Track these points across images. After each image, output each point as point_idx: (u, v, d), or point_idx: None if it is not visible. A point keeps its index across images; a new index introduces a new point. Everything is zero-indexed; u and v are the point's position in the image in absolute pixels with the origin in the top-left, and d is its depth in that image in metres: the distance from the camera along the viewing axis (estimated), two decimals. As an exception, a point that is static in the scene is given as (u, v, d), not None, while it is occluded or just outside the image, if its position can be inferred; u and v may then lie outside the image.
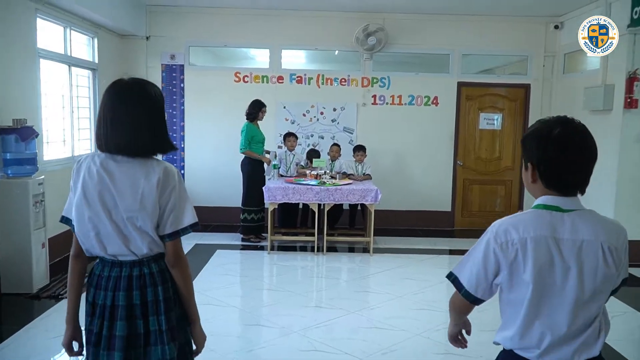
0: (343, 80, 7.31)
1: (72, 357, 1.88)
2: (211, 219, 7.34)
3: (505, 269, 1.41)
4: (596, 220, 1.42)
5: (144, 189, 1.65)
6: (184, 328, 1.79)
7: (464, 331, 1.74)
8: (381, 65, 7.36)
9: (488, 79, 7.42)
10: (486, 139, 7.52)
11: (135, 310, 1.67)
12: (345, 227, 6.79)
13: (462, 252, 5.86)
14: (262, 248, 5.95)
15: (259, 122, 6.33)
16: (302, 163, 6.63)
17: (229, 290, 4.54)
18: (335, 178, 6.14)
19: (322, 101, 7.32)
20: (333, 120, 7.36)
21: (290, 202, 5.60)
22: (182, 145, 7.37)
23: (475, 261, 1.47)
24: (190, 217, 1.73)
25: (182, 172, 7.37)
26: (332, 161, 6.63)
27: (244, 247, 6.05)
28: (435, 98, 7.36)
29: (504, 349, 1.49)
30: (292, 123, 7.35)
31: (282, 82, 7.29)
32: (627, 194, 5.66)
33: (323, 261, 5.51)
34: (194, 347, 1.83)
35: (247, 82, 7.24)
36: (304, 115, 7.35)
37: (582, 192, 1.45)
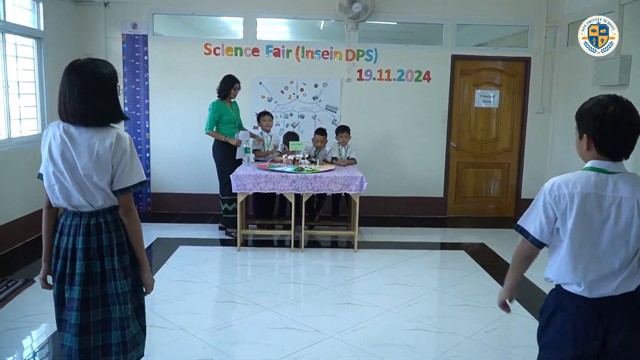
0: (325, 53, 6.57)
1: (44, 289, 2.16)
2: (180, 207, 6.65)
3: (558, 217, 1.72)
4: (635, 182, 1.70)
5: (98, 150, 1.93)
6: (135, 269, 2.09)
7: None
8: (367, 37, 6.63)
9: (485, 52, 6.72)
10: (482, 118, 6.87)
11: (92, 253, 1.97)
12: (328, 216, 6.15)
13: (454, 246, 5.31)
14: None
15: (234, 100, 5.62)
16: (280, 148, 5.93)
17: (179, 305, 3.65)
18: (315, 163, 5.46)
19: (303, 76, 6.59)
20: (314, 98, 6.65)
21: (262, 191, 4.92)
22: (147, 126, 6.62)
23: (537, 212, 1.76)
24: (138, 176, 2.02)
25: (147, 154, 6.65)
26: (317, 151, 5.93)
27: (222, 242, 5.36)
28: (427, 73, 6.66)
29: (555, 285, 1.81)
30: (269, 101, 6.63)
31: (258, 55, 6.54)
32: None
33: (300, 260, 4.84)
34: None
35: (218, 54, 6.48)
36: (282, 92, 6.62)
37: (627, 157, 1.72)
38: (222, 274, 4.46)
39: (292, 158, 5.36)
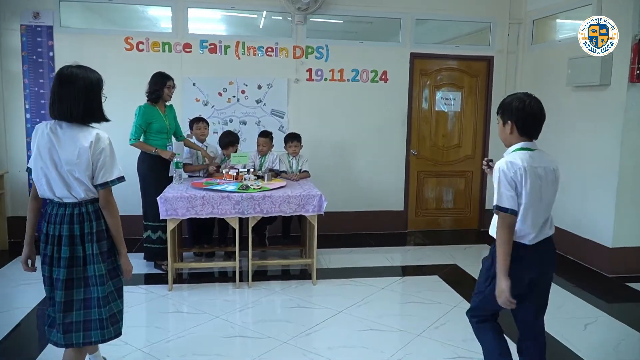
0: (270, 49, 5.72)
1: (25, 271, 2.36)
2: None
3: (518, 187, 2.17)
4: (548, 155, 2.29)
5: (80, 148, 2.17)
6: (114, 255, 2.33)
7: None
8: (318, 32, 5.84)
9: (445, 50, 6.11)
10: (443, 123, 6.26)
11: (76, 239, 2.22)
12: (277, 236, 5.30)
13: (425, 270, 4.61)
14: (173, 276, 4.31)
15: (169, 103, 4.64)
16: (218, 158, 5.01)
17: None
18: (262, 178, 4.59)
19: (244, 76, 5.70)
20: (258, 101, 5.77)
21: (198, 217, 3.99)
22: (55, 136, 5.50)
23: (504, 190, 2.16)
24: (116, 172, 2.27)
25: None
26: (262, 156, 5.07)
27: (149, 279, 4.35)
28: (384, 73, 5.97)
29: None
30: (205, 105, 5.68)
31: (190, 52, 5.58)
32: (629, 187, 4.58)
33: (248, 300, 3.92)
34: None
35: (142, 50, 5.46)
36: (220, 94, 5.70)
37: (536, 138, 2.27)
38: (148, 330, 3.41)
39: (235, 173, 4.46)
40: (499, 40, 6.13)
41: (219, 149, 5.10)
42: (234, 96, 5.71)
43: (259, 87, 5.74)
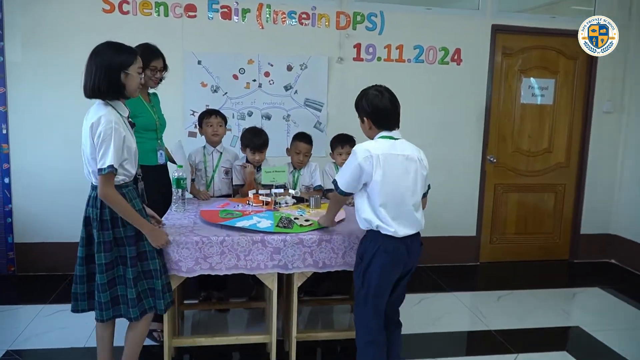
0: (304, 16, 4.14)
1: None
2: (63, 267, 4.01)
3: (367, 174, 2.17)
4: (410, 144, 2.29)
5: (86, 127, 2.13)
6: (124, 245, 2.22)
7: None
8: (369, -7, 4.28)
9: (537, 22, 4.55)
10: (530, 120, 4.71)
11: (91, 222, 2.21)
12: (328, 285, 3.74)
13: (528, 336, 3.11)
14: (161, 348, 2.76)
15: (153, 90, 3.07)
16: (237, 166, 3.44)
17: None
18: (304, 202, 3.05)
19: (268, 53, 4.12)
20: (287, 88, 4.20)
21: (216, 272, 2.42)
22: (4, 132, 3.91)
23: (347, 173, 2.22)
24: (109, 160, 2.08)
25: (6, 180, 3.94)
26: (296, 169, 3.52)
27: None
28: (457, 52, 4.41)
29: (370, 230, 2.25)
30: (215, 91, 4.11)
31: (195, 16, 3.99)
32: None
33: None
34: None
35: (127, 13, 3.87)
36: (236, 77, 4.12)
37: (398, 127, 2.31)
38: None
39: (266, 196, 2.91)
40: (606, 5, 4.57)
41: (239, 153, 3.53)
42: (254, 80, 4.14)
43: (289, 68, 4.17)
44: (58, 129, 3.90)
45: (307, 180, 3.47)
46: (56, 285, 3.78)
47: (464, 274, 4.44)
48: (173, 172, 2.86)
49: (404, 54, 4.32)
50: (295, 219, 2.66)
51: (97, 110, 2.12)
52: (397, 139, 2.25)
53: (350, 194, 2.27)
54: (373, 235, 2.22)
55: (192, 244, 2.36)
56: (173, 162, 3.06)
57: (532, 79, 4.63)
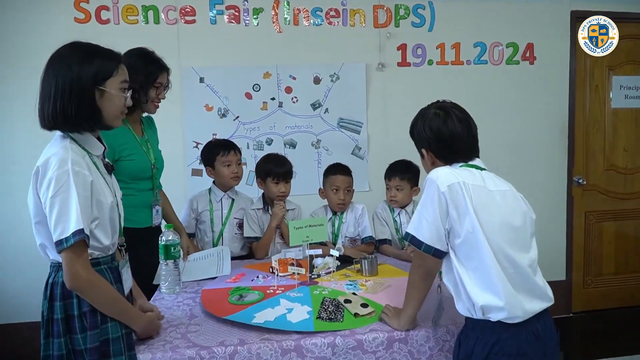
0: (333, 12, 3.25)
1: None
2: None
3: (454, 215, 1.40)
4: (500, 178, 1.54)
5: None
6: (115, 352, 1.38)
7: None
8: (413, -20, 3.37)
9: (630, 5, 3.58)
10: (625, 129, 3.71)
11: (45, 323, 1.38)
12: None
13: None
14: None
15: (147, 114, 2.21)
16: (252, 213, 2.52)
17: None
18: (355, 263, 2.12)
19: (289, 63, 3.23)
20: (316, 106, 3.29)
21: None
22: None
23: (427, 213, 1.43)
24: (72, 224, 1.28)
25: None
26: (336, 214, 2.58)
27: None
28: (529, 48, 3.47)
29: (470, 318, 1.43)
30: (223, 116, 3.21)
31: (193, 22, 3.13)
32: None
33: None
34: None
35: (106, 22, 3.03)
36: (249, 96, 3.23)
37: (478, 156, 1.56)
38: None
39: (297, 264, 1.99)
40: None
41: (254, 193, 2.62)
42: (272, 98, 3.24)
43: (317, 80, 3.26)
44: (17, 171, 3.02)
45: (352, 229, 2.53)
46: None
47: (561, 330, 3.40)
48: (161, 235, 1.94)
49: (462, 54, 3.39)
50: (345, 302, 1.71)
51: (49, 148, 1.37)
52: (483, 169, 1.53)
53: (442, 254, 1.44)
54: (476, 327, 1.42)
55: (194, 349, 1.42)
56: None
57: (624, 77, 3.64)
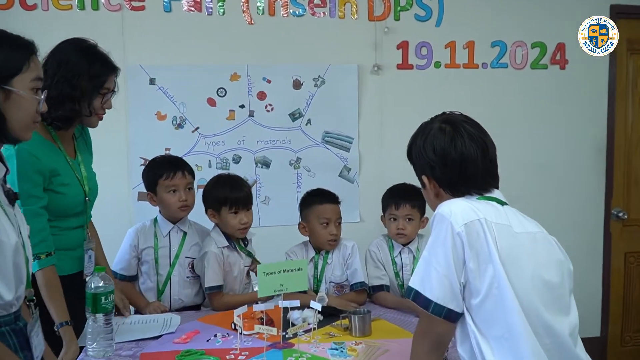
0: (318, 1, 2.66)
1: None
2: None
3: (473, 264, 1.14)
4: (524, 215, 1.32)
5: None
6: None
7: None
8: (417, -35, 2.80)
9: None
10: (673, 151, 3.11)
11: None
12: None
13: None
14: None
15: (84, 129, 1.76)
16: (215, 253, 1.95)
17: None
18: (342, 318, 1.65)
19: (263, 62, 2.68)
20: (296, 116, 2.70)
21: None
22: None
23: (438, 260, 1.16)
24: None
25: None
26: (320, 254, 2.04)
27: None
28: (560, 49, 2.92)
29: None
30: (179, 127, 2.63)
31: (142, 9, 2.55)
32: None
33: None
34: None
35: (32, 8, 2.48)
36: (213, 103, 2.65)
37: (497, 186, 1.32)
38: None
39: (269, 321, 1.48)
40: None
41: (211, 237, 2.00)
42: (241, 106, 2.65)
43: (297, 84, 2.68)
44: None
45: (339, 272, 2.02)
46: None
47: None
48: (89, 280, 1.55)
49: (477, 55, 2.81)
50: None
51: None
52: (504, 203, 1.24)
53: (457, 316, 1.16)
54: None
55: None
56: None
57: (673, 86, 3.06)
